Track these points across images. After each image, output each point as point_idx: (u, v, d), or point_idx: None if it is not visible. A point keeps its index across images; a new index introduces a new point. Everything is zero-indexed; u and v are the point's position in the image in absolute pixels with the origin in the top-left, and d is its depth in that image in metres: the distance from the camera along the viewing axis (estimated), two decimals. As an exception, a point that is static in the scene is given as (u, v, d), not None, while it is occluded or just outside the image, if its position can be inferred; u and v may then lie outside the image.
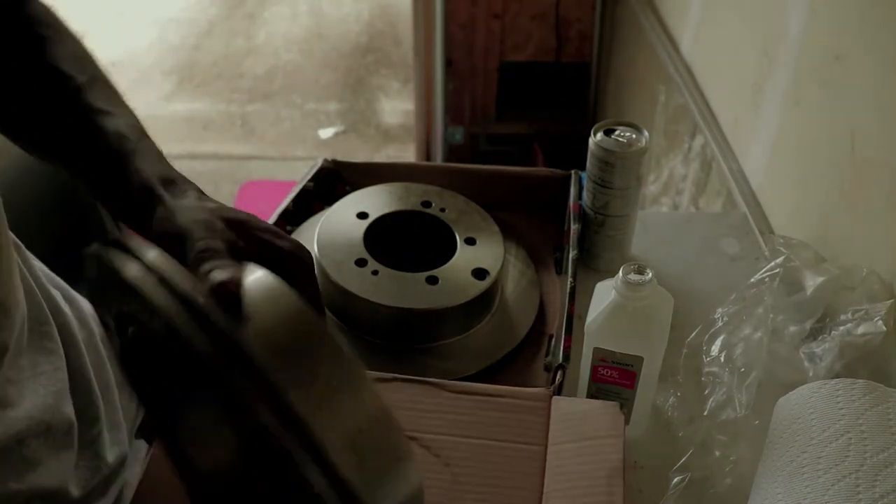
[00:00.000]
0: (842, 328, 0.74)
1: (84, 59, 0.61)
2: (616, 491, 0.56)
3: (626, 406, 0.74)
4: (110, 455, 0.71)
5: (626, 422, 0.75)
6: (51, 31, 0.60)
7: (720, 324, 0.79)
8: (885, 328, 0.72)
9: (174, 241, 0.48)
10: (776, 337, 0.77)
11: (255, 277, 0.44)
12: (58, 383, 0.64)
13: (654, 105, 1.65)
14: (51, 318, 0.66)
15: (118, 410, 0.75)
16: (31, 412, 0.60)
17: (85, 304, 0.76)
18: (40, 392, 0.61)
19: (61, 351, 0.66)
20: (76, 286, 0.77)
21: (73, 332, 0.69)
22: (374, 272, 0.82)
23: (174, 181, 0.54)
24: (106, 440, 0.71)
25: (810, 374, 0.72)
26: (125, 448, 0.75)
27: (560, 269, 0.94)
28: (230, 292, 0.41)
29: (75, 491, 0.65)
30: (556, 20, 2.22)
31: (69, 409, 0.65)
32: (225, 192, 2.67)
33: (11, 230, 0.66)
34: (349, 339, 0.82)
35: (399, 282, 0.81)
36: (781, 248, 0.85)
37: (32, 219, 0.76)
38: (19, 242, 0.67)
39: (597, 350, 0.72)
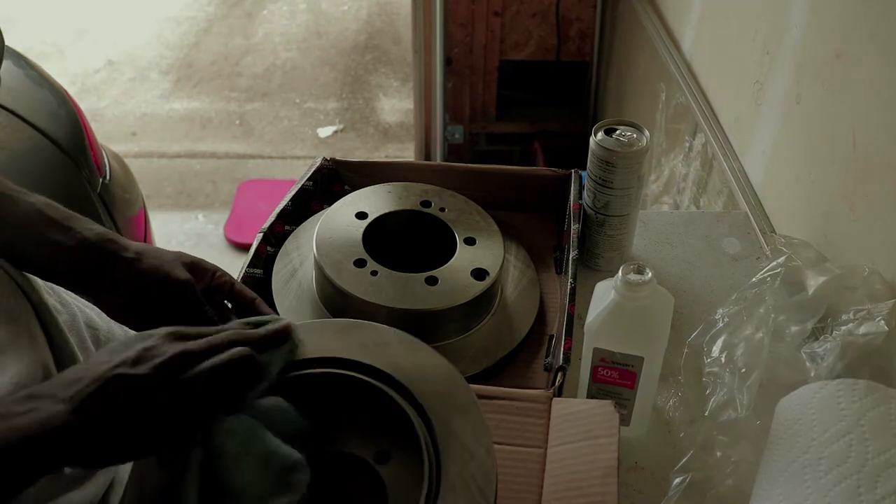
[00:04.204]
0: (843, 328, 0.73)
1: None
2: (610, 490, 0.56)
3: (626, 406, 0.74)
4: None
5: (626, 422, 0.75)
6: None
7: (721, 324, 0.79)
8: (887, 328, 0.71)
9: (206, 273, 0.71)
10: (777, 337, 0.76)
11: None
12: (40, 352, 0.66)
13: (654, 104, 1.65)
14: (19, 290, 0.68)
15: None
16: (16, 378, 0.62)
17: (67, 294, 0.78)
18: (24, 360, 0.63)
19: (35, 320, 0.68)
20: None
21: (50, 311, 0.71)
22: (374, 273, 0.81)
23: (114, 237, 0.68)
24: None
25: (812, 374, 0.72)
26: None
27: (560, 269, 0.94)
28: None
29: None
30: (556, 18, 2.21)
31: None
32: (223, 192, 2.66)
33: None
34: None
35: (398, 282, 0.81)
36: (783, 248, 0.84)
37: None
38: None
39: (597, 350, 0.71)
